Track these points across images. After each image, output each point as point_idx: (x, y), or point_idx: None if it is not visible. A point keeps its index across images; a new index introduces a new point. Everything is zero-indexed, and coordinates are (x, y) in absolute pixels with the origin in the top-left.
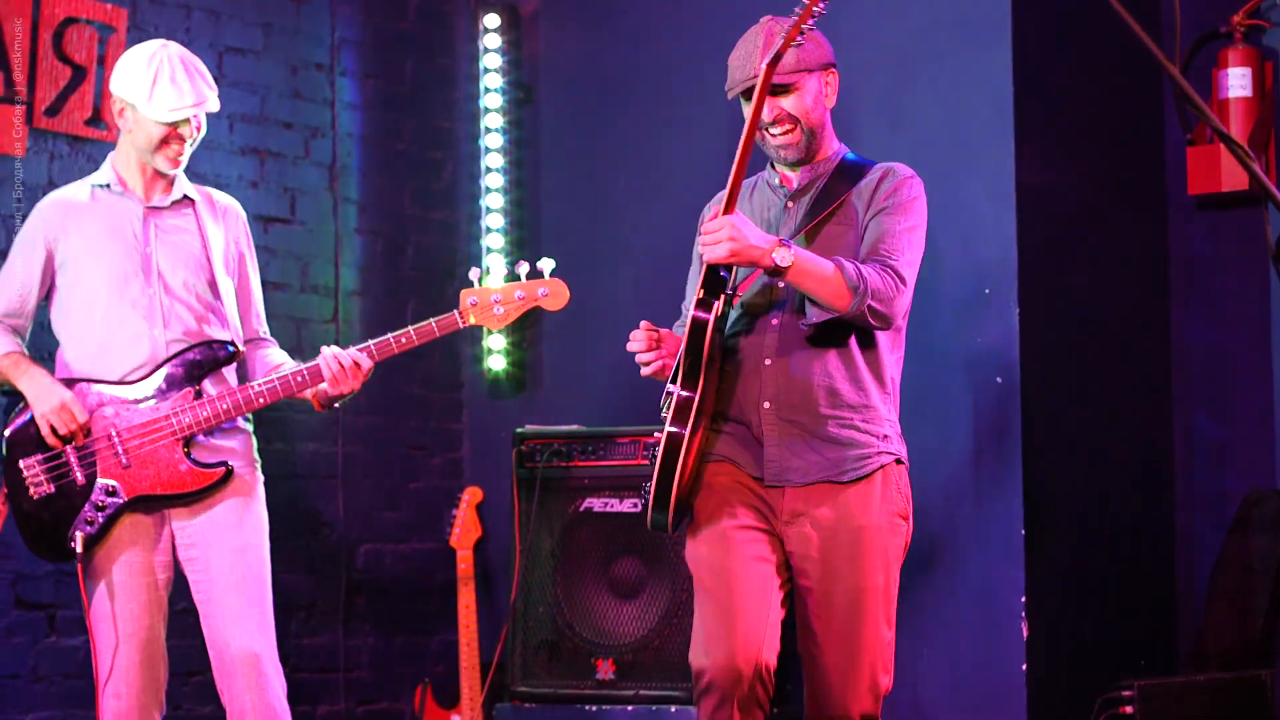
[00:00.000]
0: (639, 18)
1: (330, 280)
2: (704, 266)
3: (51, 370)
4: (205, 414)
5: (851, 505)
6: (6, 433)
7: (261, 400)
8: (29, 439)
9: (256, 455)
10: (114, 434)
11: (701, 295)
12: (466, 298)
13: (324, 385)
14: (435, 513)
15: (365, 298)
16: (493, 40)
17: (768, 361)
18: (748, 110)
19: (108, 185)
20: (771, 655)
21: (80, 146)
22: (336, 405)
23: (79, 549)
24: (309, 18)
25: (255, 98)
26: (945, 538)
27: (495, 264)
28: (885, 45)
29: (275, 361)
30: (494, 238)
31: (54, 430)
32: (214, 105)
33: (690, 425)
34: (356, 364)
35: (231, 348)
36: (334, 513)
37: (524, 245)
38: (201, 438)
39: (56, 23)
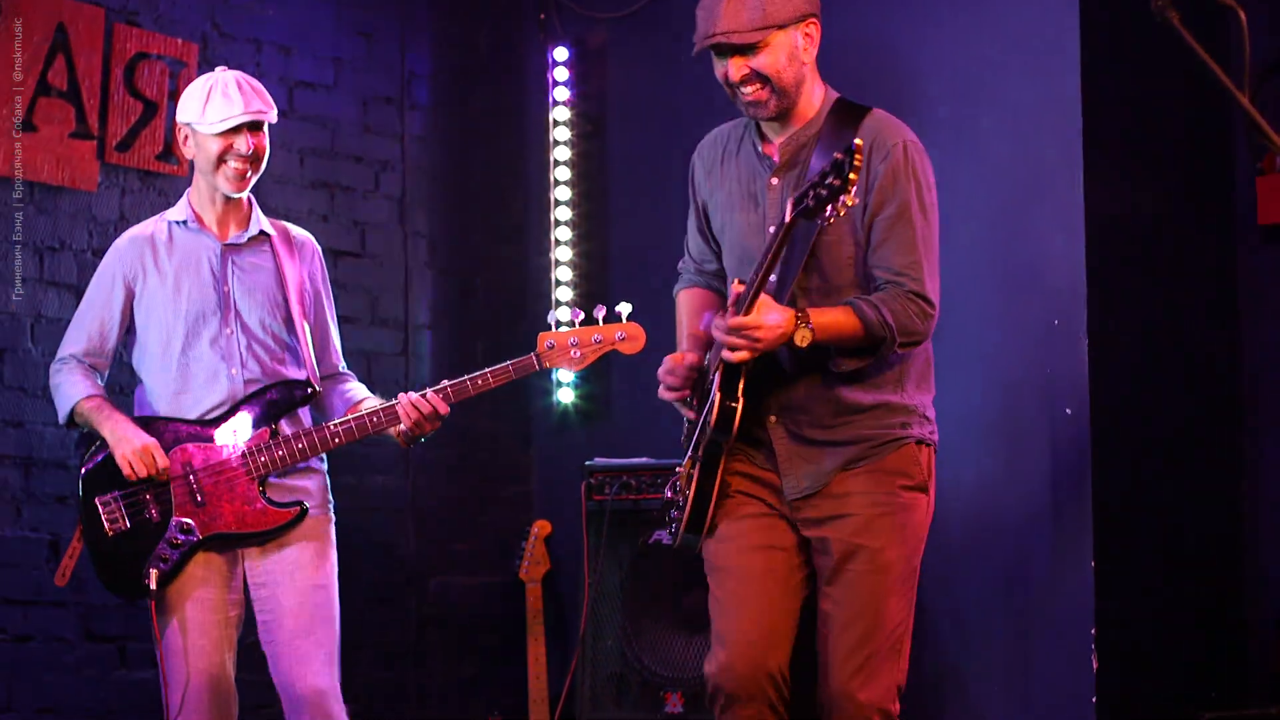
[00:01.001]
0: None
1: (400, 314)
2: (722, 366)
3: (130, 407)
4: (281, 454)
5: (863, 482)
6: (83, 470)
7: (337, 441)
8: (105, 476)
9: (330, 495)
10: (190, 472)
11: (721, 394)
12: (544, 340)
13: (402, 426)
14: (505, 546)
15: (435, 331)
16: (561, 73)
17: (787, 368)
18: (718, 67)
19: (184, 222)
20: (781, 655)
21: (151, 181)
22: (422, 440)
23: (153, 585)
24: (379, 52)
25: (326, 132)
26: (1016, 569)
27: (565, 296)
28: (954, 73)
29: (354, 395)
30: (564, 270)
31: (133, 469)
32: (268, 116)
33: (724, 456)
34: (434, 409)
35: (309, 388)
36: (405, 545)
37: (593, 277)
38: (276, 477)
39: (128, 58)
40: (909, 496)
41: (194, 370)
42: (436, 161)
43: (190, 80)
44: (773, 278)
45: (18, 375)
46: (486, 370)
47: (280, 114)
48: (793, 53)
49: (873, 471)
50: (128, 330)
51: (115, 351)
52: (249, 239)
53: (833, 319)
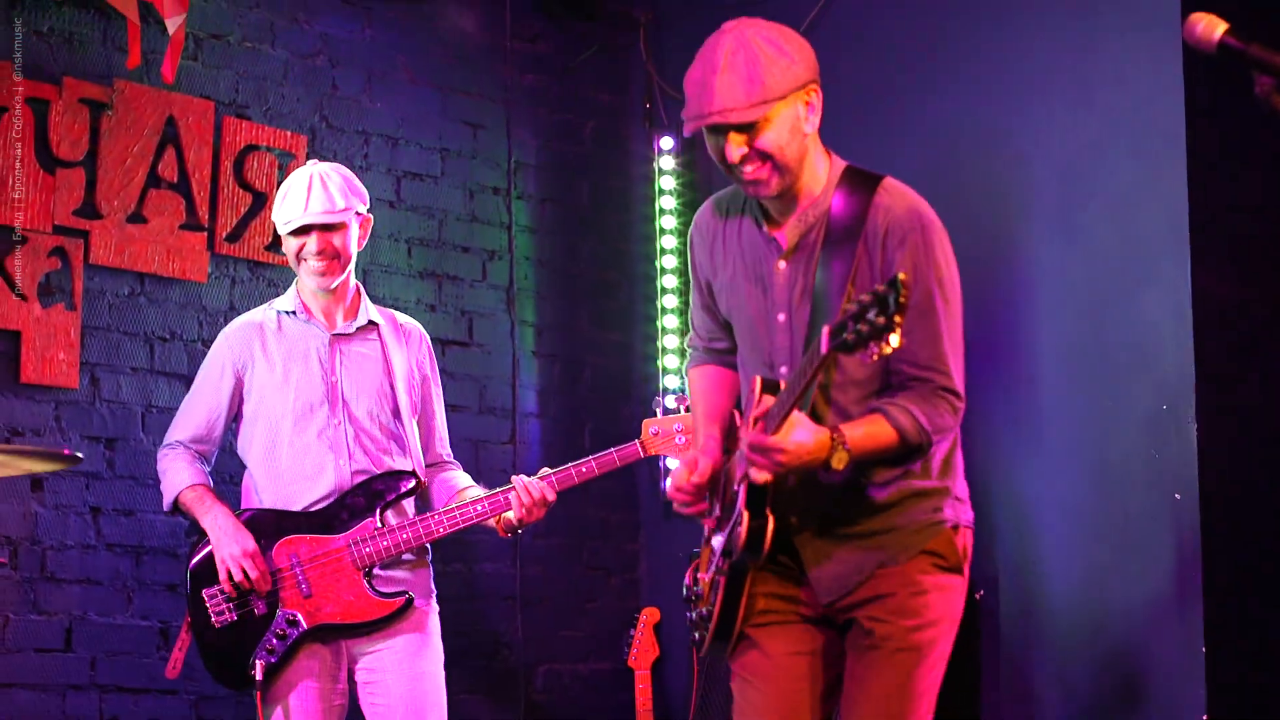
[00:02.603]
0: (821, 135)
1: (508, 402)
2: (747, 483)
3: (238, 495)
4: (386, 544)
5: (896, 576)
6: (191, 563)
7: (441, 530)
8: (212, 569)
9: (433, 585)
10: (296, 564)
11: (749, 512)
12: (649, 427)
13: (508, 513)
14: (613, 633)
15: (543, 419)
16: (667, 162)
17: (790, 480)
18: (713, 146)
19: (293, 312)
20: None
21: (260, 272)
22: (519, 531)
23: (259, 677)
24: (486, 142)
25: (433, 221)
26: (1124, 656)
27: (671, 384)
28: (1057, 155)
29: (458, 485)
30: (671, 358)
31: (231, 576)
32: (334, 218)
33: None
34: (543, 495)
35: (414, 480)
36: (513, 634)
37: None
38: (381, 568)
39: (237, 150)
40: (943, 578)
41: (301, 461)
42: (543, 250)
43: None
44: (784, 368)
45: (129, 464)
46: (591, 458)
47: (388, 204)
48: (795, 125)
49: (907, 566)
50: (235, 418)
51: (222, 439)
52: (357, 329)
53: (868, 434)
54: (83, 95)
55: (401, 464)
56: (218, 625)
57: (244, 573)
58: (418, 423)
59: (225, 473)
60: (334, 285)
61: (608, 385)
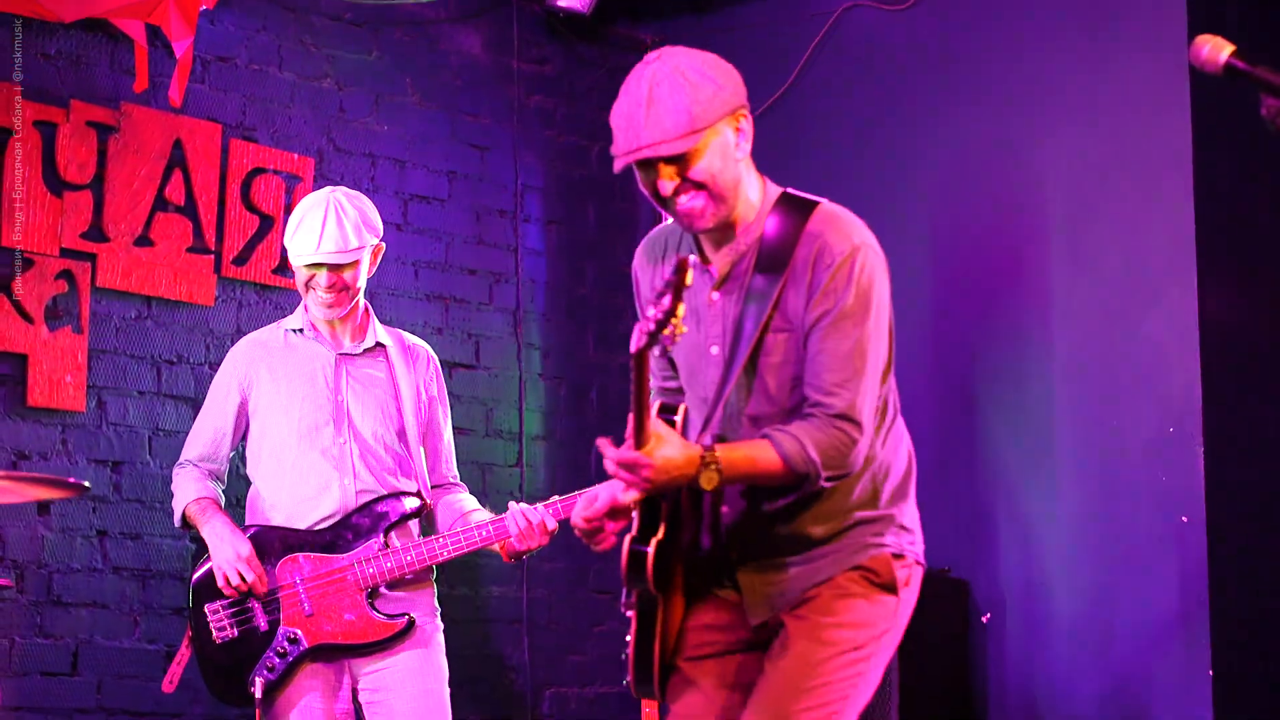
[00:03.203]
0: (824, 163)
1: (514, 425)
2: (638, 509)
3: (243, 514)
4: (389, 565)
5: (824, 587)
6: (193, 578)
7: (445, 554)
8: (214, 584)
9: (437, 605)
10: (298, 582)
11: (634, 535)
12: None
13: (511, 539)
14: (620, 657)
15: (549, 442)
16: None
17: (724, 509)
18: (644, 181)
19: (300, 330)
20: None
21: (268, 295)
22: (524, 558)
23: (258, 694)
24: (493, 165)
25: (440, 244)
26: (1130, 679)
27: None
28: (1067, 178)
29: (463, 508)
30: None
31: (229, 581)
32: (345, 258)
33: (660, 607)
34: (543, 523)
35: (419, 501)
36: (519, 657)
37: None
38: (385, 588)
39: (244, 173)
40: (873, 591)
41: (306, 479)
42: (550, 273)
43: (305, 194)
44: (725, 398)
45: (135, 488)
46: (599, 486)
47: (395, 227)
48: (726, 152)
49: (839, 574)
50: (243, 436)
51: (231, 457)
52: (364, 349)
53: (745, 456)
54: (90, 118)
55: (407, 485)
56: (218, 641)
57: (241, 576)
58: (424, 444)
59: (235, 494)
60: (342, 315)
61: (614, 408)
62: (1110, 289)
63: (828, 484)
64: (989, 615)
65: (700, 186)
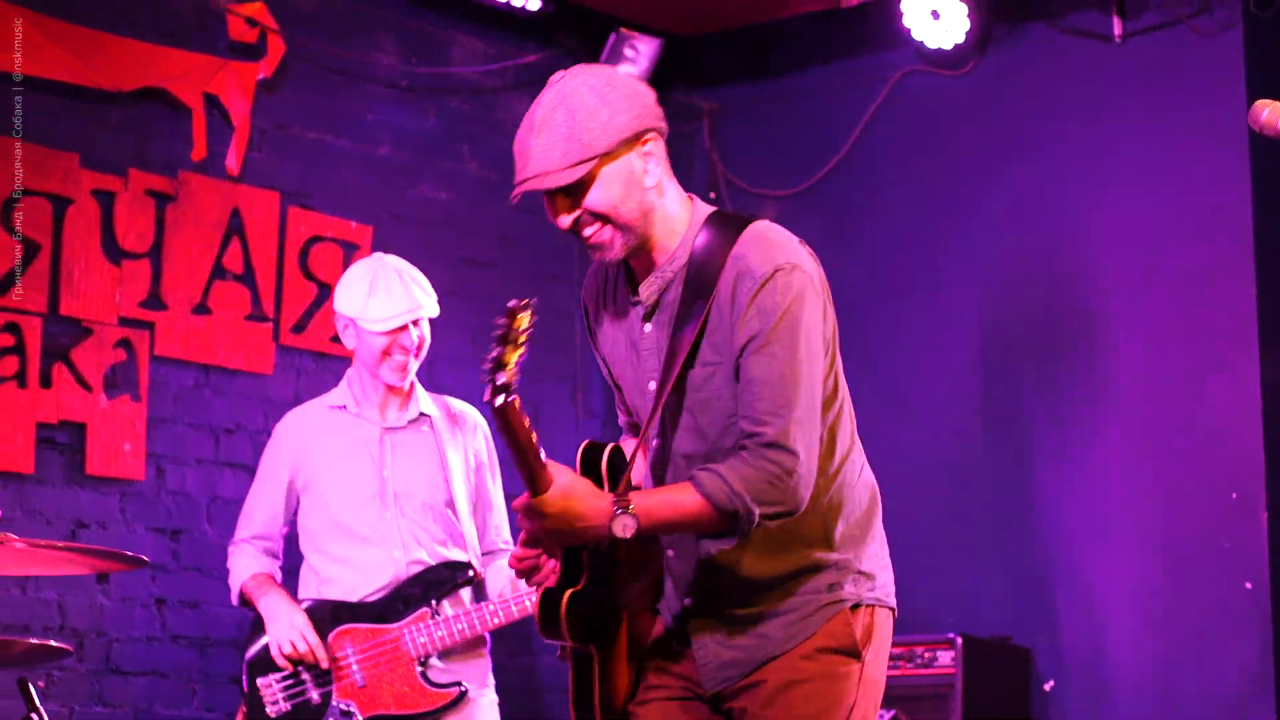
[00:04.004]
0: (882, 228)
1: None
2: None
3: (295, 589)
4: (440, 634)
5: (777, 666)
6: (247, 654)
7: (496, 622)
8: (268, 659)
9: (491, 676)
10: (351, 654)
11: (562, 575)
12: None
13: None
14: None
15: None
16: None
17: (670, 553)
18: (549, 211)
19: (344, 406)
20: None
21: (325, 363)
22: None
23: None
24: (548, 231)
25: (496, 310)
26: None
27: None
28: (1124, 244)
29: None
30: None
31: (284, 653)
32: (431, 311)
33: (595, 661)
34: None
35: (470, 571)
36: None
37: None
38: (437, 658)
39: (302, 241)
40: (831, 662)
41: (355, 553)
42: None
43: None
44: (655, 440)
45: (194, 556)
46: None
47: (451, 293)
48: (629, 180)
49: (793, 648)
50: (294, 512)
51: (285, 533)
52: (409, 420)
53: (664, 501)
54: (148, 187)
55: (457, 555)
56: (272, 715)
57: (295, 648)
58: (474, 511)
59: (292, 566)
60: (410, 378)
61: None
62: (1169, 353)
63: (771, 523)
64: (1051, 683)
65: (600, 218)
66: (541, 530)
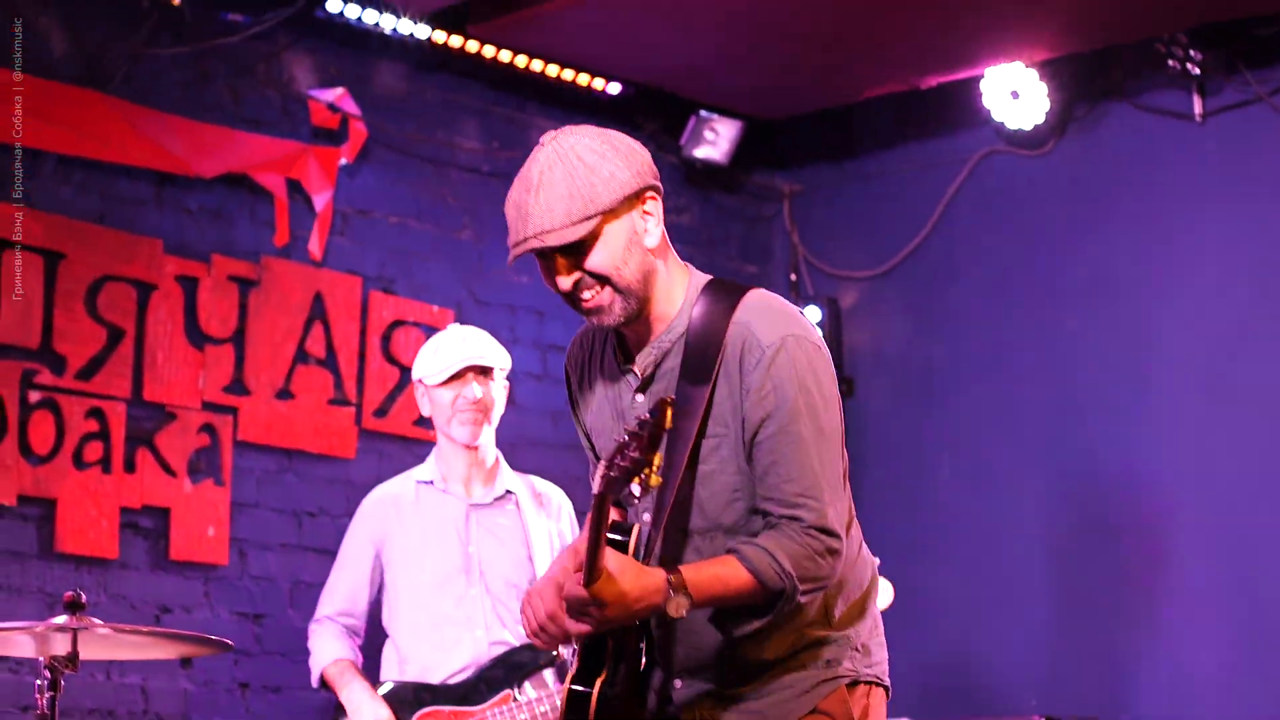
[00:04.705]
0: (962, 308)
1: None
2: (578, 641)
3: (377, 666)
4: (523, 718)
5: None
6: None
7: None
8: None
9: None
10: None
11: (574, 673)
12: None
13: None
14: None
15: None
16: None
17: (655, 630)
18: (545, 274)
19: (430, 481)
20: None
21: (408, 446)
22: None
23: None
24: None
25: None
26: None
27: None
28: (1205, 322)
29: None
30: None
31: None
32: (494, 360)
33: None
34: None
35: (553, 652)
36: None
37: None
38: None
39: (384, 326)
40: None
41: (439, 632)
42: None
43: None
44: (647, 515)
45: (277, 640)
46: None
47: (535, 377)
48: (631, 240)
49: None
50: (378, 590)
51: (369, 612)
52: (494, 498)
53: (715, 576)
54: (231, 272)
55: None
56: None
57: None
58: None
59: (376, 645)
60: (480, 440)
61: None
62: (1250, 430)
63: (804, 599)
64: None
65: (601, 280)
66: (598, 616)
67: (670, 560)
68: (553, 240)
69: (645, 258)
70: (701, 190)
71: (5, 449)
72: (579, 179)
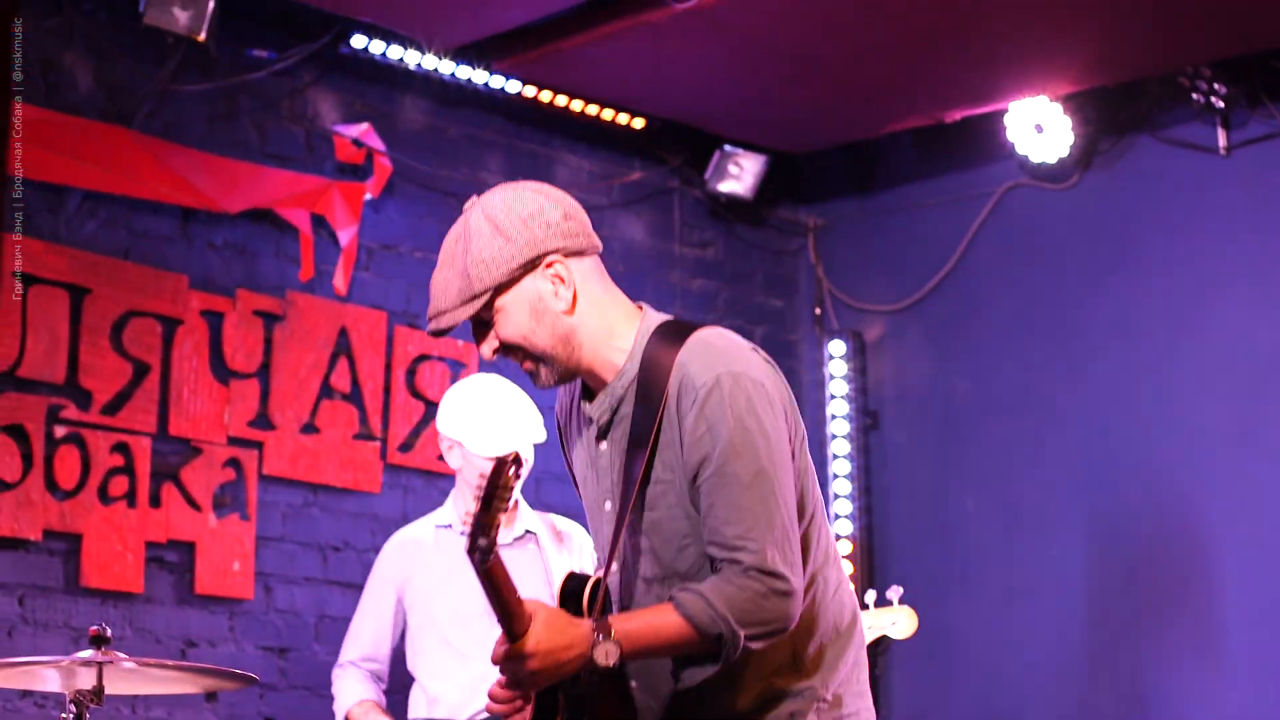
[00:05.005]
0: (988, 342)
1: None
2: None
3: (403, 708)
4: None
5: None
6: None
7: None
8: None
9: None
10: None
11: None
12: None
13: None
14: None
15: None
16: (838, 367)
17: (633, 683)
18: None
19: (449, 525)
20: None
21: (433, 481)
22: None
23: None
24: None
25: None
26: None
27: None
28: (1237, 359)
29: None
30: (843, 563)
31: None
32: (538, 437)
33: None
34: None
35: None
36: None
37: (872, 570)
38: None
39: (409, 360)
40: None
41: (464, 672)
42: None
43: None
44: (615, 564)
45: (303, 674)
46: None
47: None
48: (536, 308)
49: None
50: (401, 633)
51: (392, 655)
52: (514, 538)
53: (645, 624)
54: (256, 307)
55: None
56: None
57: None
58: None
59: (401, 687)
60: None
61: None
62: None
63: (756, 644)
64: None
65: (515, 350)
66: (526, 672)
67: (631, 609)
68: (445, 322)
69: (558, 321)
70: (726, 224)
71: (31, 484)
72: (470, 257)
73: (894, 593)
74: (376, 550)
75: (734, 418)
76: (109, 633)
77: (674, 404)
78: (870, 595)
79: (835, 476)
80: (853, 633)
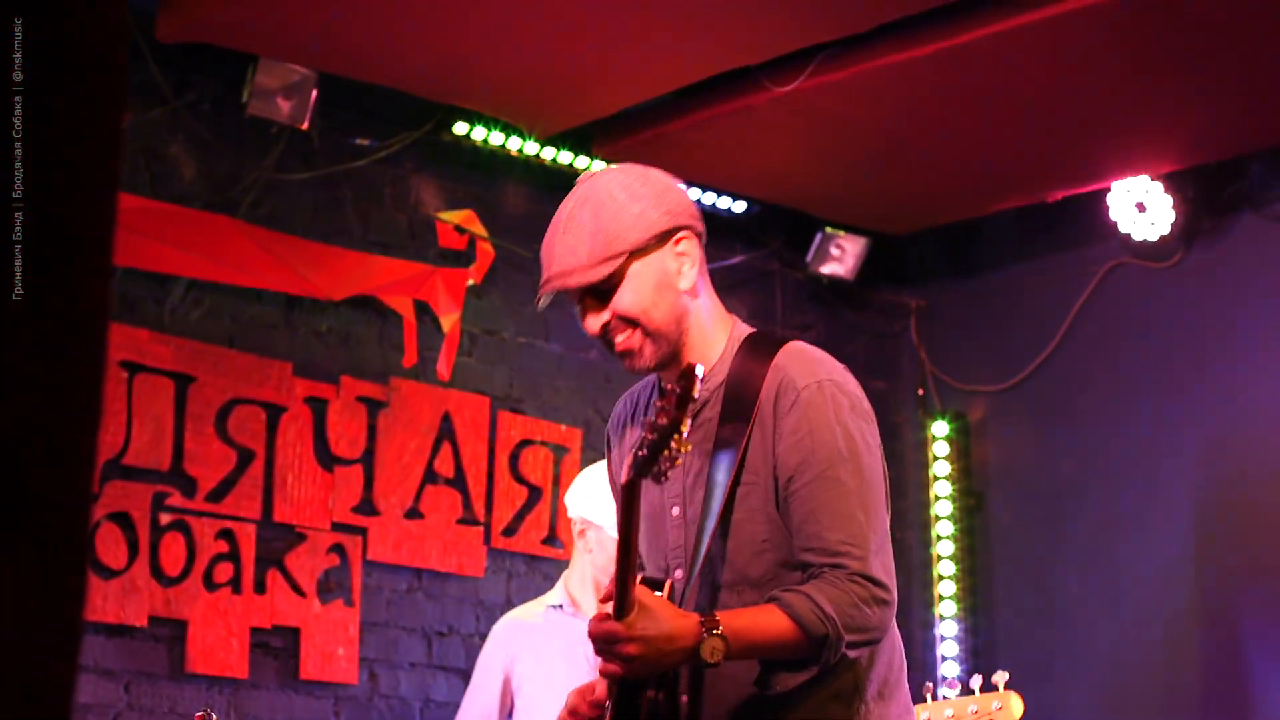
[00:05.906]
0: (1091, 422)
1: None
2: (613, 695)
3: None
4: None
5: None
6: None
7: None
8: None
9: None
10: None
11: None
12: (920, 713)
13: None
14: None
15: None
16: (942, 448)
17: (684, 698)
18: (579, 318)
19: (560, 606)
20: None
21: (536, 565)
22: None
23: None
24: None
25: None
26: None
27: (950, 672)
28: None
29: None
30: (948, 645)
31: None
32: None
33: None
34: None
35: None
36: None
37: (978, 653)
38: None
39: (513, 445)
40: None
41: None
42: None
43: (574, 465)
44: (678, 571)
45: None
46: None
47: None
48: (662, 281)
49: None
50: (509, 716)
51: None
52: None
53: (753, 622)
54: (360, 394)
55: None
56: None
57: None
58: None
59: None
60: None
61: None
62: None
63: (854, 652)
64: None
65: (630, 323)
66: (625, 655)
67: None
68: (574, 281)
69: (677, 300)
70: (828, 307)
71: (137, 571)
72: (604, 218)
73: (1000, 677)
74: (481, 635)
75: (839, 423)
76: (214, 718)
77: (770, 405)
78: (976, 680)
79: (939, 558)
80: (904, 672)
